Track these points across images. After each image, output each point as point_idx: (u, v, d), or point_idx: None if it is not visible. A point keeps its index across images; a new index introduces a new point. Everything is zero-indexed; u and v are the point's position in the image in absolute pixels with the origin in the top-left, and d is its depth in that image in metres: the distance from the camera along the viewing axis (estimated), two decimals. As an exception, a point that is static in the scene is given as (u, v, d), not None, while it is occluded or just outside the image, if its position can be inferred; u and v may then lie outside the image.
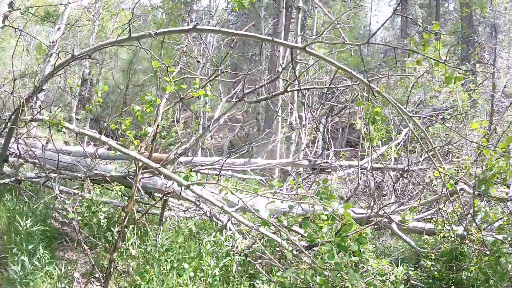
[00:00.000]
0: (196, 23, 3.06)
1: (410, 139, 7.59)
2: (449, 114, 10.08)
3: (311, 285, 2.80)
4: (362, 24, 25.35)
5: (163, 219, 4.50)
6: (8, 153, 4.80)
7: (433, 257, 4.22)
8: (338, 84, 6.95)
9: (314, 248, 3.06)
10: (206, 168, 4.41)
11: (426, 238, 4.69)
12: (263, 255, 3.68)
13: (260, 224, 3.15)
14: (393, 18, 30.83)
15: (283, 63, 8.36)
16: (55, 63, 4.25)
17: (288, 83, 4.18)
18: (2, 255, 3.93)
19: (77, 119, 17.67)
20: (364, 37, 26.70)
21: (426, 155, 6.23)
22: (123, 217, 3.68)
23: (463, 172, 5.07)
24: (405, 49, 3.44)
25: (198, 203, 4.17)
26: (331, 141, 7.18)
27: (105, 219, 4.41)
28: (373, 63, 19.14)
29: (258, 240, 3.02)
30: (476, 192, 3.95)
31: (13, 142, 4.91)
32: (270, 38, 3.21)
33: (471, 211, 4.03)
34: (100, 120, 18.80)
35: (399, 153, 8.23)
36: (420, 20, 25.84)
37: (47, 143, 6.42)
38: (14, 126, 4.26)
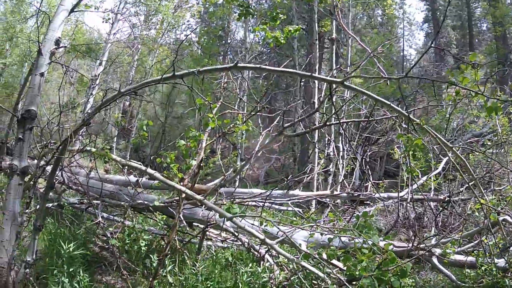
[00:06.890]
0: (237, 61, 3.21)
1: (450, 168, 7.38)
2: (489, 140, 9.73)
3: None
4: (395, 50, 25.25)
5: (201, 249, 4.58)
6: (54, 181, 5.08)
7: (475, 291, 4.06)
8: (375, 113, 6.93)
9: (354, 282, 3.02)
10: (248, 201, 4.49)
11: (467, 271, 4.53)
12: (301, 288, 3.65)
13: (299, 256, 3.16)
14: (426, 40, 30.49)
15: (320, 96, 8.45)
16: (103, 98, 4.52)
17: (328, 117, 4.24)
18: (43, 275, 4.11)
19: (117, 148, 18.46)
20: (398, 63, 26.45)
21: (467, 185, 6.03)
22: (163, 246, 3.78)
23: (505, 201, 4.85)
24: (443, 82, 3.43)
25: (236, 234, 4.23)
26: (369, 171, 7.07)
27: (145, 246, 4.56)
28: (409, 89, 18.87)
29: (297, 272, 3.02)
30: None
31: (59, 171, 5.20)
32: (309, 74, 3.30)
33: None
34: (139, 149, 19.51)
35: (439, 182, 7.97)
36: (454, 42, 25.38)
37: (90, 171, 6.70)
38: (62, 156, 4.52)
